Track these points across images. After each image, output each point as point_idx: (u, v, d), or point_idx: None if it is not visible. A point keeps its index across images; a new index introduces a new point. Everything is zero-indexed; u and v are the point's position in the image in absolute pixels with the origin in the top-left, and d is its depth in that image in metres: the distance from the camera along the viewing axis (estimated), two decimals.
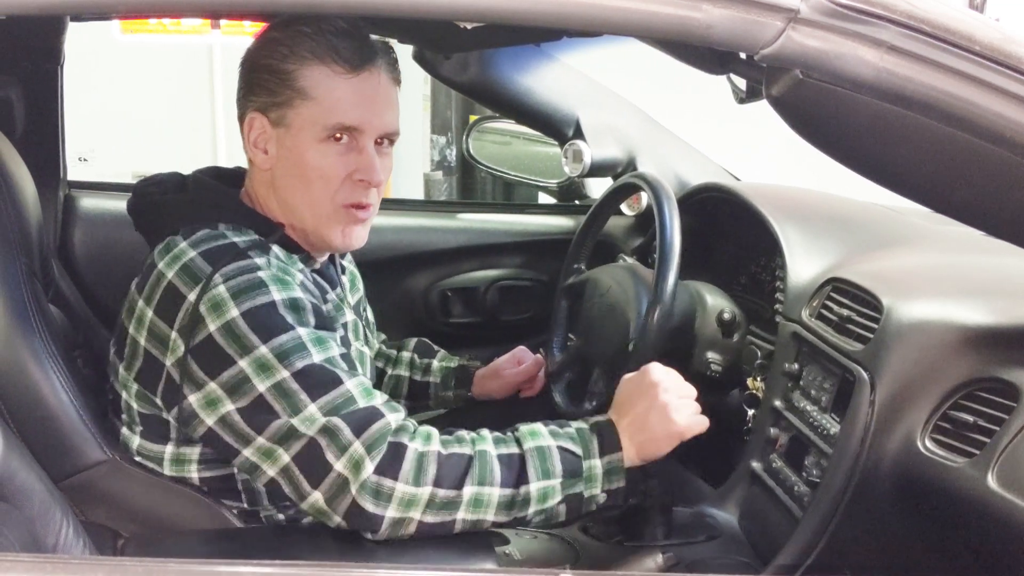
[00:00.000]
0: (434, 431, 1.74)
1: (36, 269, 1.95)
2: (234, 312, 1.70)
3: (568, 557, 2.04)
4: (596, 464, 1.77)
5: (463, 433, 1.77)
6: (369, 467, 1.65)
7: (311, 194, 1.85)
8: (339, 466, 1.66)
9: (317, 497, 1.68)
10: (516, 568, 1.94)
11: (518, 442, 1.76)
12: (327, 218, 1.87)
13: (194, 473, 1.85)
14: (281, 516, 1.87)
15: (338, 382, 1.70)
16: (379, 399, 1.73)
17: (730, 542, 2.13)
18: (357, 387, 1.71)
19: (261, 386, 1.68)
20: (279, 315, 1.72)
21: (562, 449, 1.76)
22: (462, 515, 1.70)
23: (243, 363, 1.69)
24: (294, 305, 1.74)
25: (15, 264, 1.83)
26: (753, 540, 2.12)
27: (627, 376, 1.89)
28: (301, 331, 1.72)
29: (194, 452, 1.83)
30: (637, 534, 2.07)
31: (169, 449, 1.84)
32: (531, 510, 1.74)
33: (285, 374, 1.68)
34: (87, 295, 2.34)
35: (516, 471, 1.73)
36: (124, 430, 1.88)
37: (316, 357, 1.70)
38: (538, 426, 1.80)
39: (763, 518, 2.12)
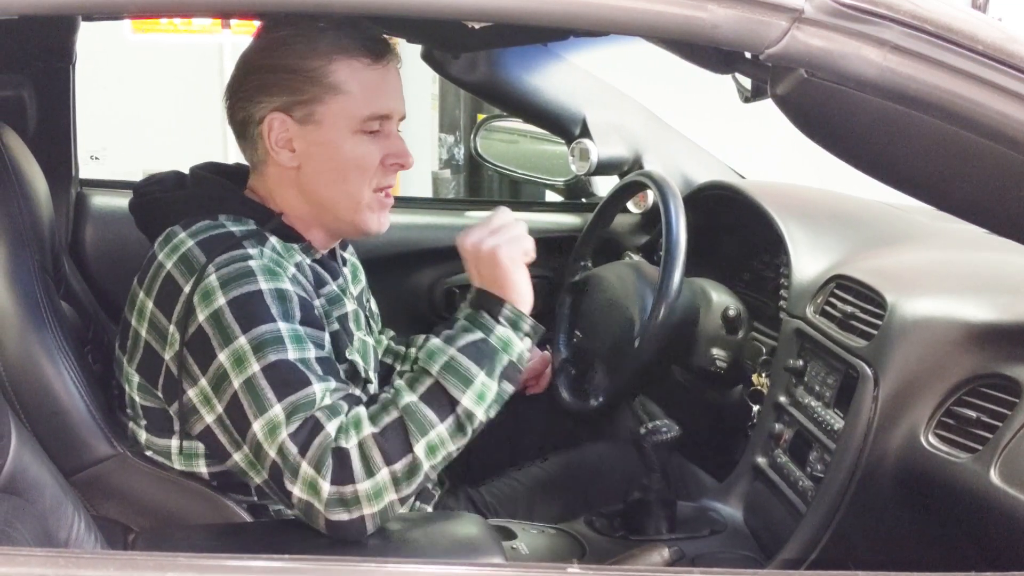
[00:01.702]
0: (361, 412, 1.71)
1: (48, 265, 1.96)
2: (221, 300, 1.72)
3: (575, 551, 2.06)
4: (501, 330, 1.78)
5: (384, 396, 1.75)
6: (325, 485, 1.65)
7: (348, 185, 1.87)
8: (297, 491, 1.66)
9: (297, 512, 1.70)
10: (523, 563, 1.95)
11: (426, 371, 1.74)
12: (366, 206, 1.90)
13: (203, 467, 1.86)
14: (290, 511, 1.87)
15: (305, 383, 1.69)
16: (328, 399, 1.71)
17: (734, 536, 2.14)
18: (321, 392, 1.70)
19: (236, 382, 1.69)
20: (263, 304, 1.73)
21: (464, 347, 1.75)
22: (427, 466, 1.69)
23: (223, 356, 1.70)
24: (280, 296, 1.75)
25: (28, 261, 1.84)
26: (757, 534, 2.14)
27: (463, 259, 1.91)
28: (282, 325, 1.72)
29: (200, 446, 1.84)
30: (642, 529, 2.09)
31: (175, 443, 1.85)
32: (480, 414, 1.73)
33: (256, 368, 1.68)
34: (97, 291, 2.35)
35: (445, 398, 1.72)
36: (131, 424, 1.89)
37: (290, 354, 1.70)
38: (433, 342, 1.78)
39: (767, 513, 2.13)
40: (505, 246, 1.85)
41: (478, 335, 1.77)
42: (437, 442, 1.70)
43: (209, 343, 1.71)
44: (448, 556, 1.70)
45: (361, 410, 1.72)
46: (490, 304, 1.81)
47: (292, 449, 1.66)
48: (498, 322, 1.79)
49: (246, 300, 1.72)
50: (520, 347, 1.79)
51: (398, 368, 2.40)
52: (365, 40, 1.84)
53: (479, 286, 1.84)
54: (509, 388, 1.78)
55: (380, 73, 1.85)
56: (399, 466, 1.67)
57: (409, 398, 1.72)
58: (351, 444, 1.67)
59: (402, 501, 1.69)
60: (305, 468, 1.65)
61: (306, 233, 1.92)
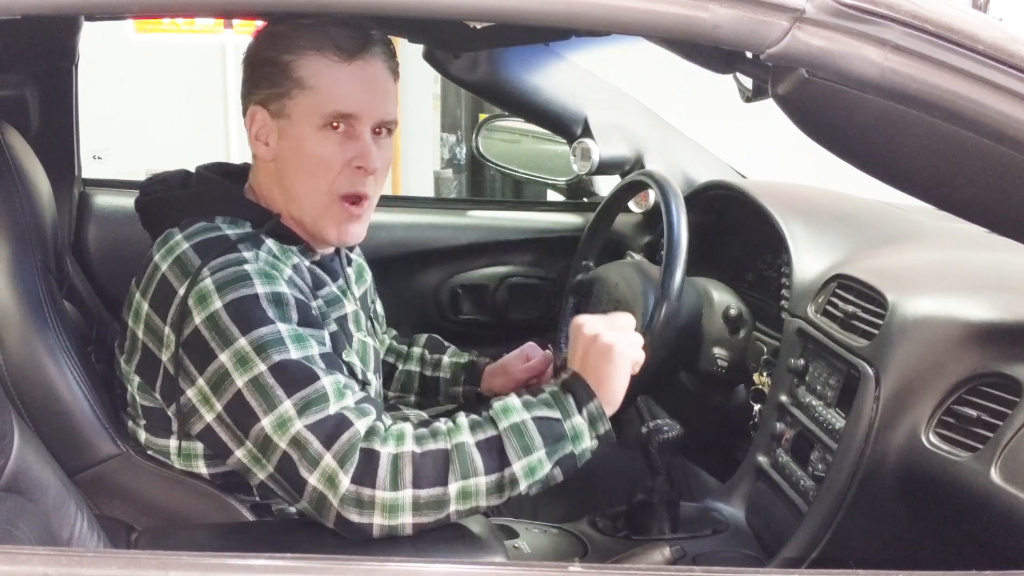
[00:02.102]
0: (407, 429, 1.72)
1: (51, 265, 1.97)
2: (217, 304, 1.72)
3: (577, 551, 2.06)
4: (578, 420, 1.75)
5: (439, 425, 1.75)
6: (344, 480, 1.65)
7: (311, 183, 1.86)
8: (313, 480, 1.66)
9: (304, 505, 1.70)
10: (525, 562, 1.95)
11: (493, 422, 1.74)
12: (324, 208, 1.87)
13: (203, 468, 1.87)
14: (292, 509, 1.87)
15: (314, 378, 1.70)
16: (350, 400, 1.72)
17: (736, 536, 2.14)
18: (332, 385, 1.71)
19: (239, 381, 1.69)
20: (260, 308, 1.73)
21: (538, 419, 1.74)
22: (454, 508, 1.69)
23: (224, 357, 1.70)
24: (277, 300, 1.75)
25: (31, 260, 1.85)
26: (759, 534, 2.14)
27: (572, 339, 1.87)
28: (281, 326, 1.72)
29: (199, 447, 1.85)
30: (644, 528, 2.09)
31: (174, 443, 1.85)
32: (523, 486, 1.72)
33: (262, 368, 1.68)
34: (100, 291, 2.36)
35: (497, 454, 1.71)
36: (130, 424, 1.90)
37: (293, 353, 1.71)
38: (512, 400, 1.77)
39: (769, 512, 2.13)
40: (623, 348, 1.82)
41: (556, 415, 1.75)
42: (473, 490, 1.69)
43: (207, 345, 1.72)
44: (450, 554, 1.70)
45: (407, 427, 1.72)
46: (580, 393, 1.78)
47: (312, 440, 1.66)
48: (579, 412, 1.77)
49: (242, 304, 1.72)
50: (587, 445, 1.76)
51: (400, 367, 2.41)
52: (339, 37, 1.82)
53: (578, 371, 1.81)
54: (558, 477, 1.76)
55: (348, 71, 1.82)
56: (425, 493, 1.67)
57: (466, 439, 1.71)
58: (384, 450, 1.67)
59: (415, 527, 1.68)
60: (328, 460, 1.65)
61: (302, 234, 1.92)
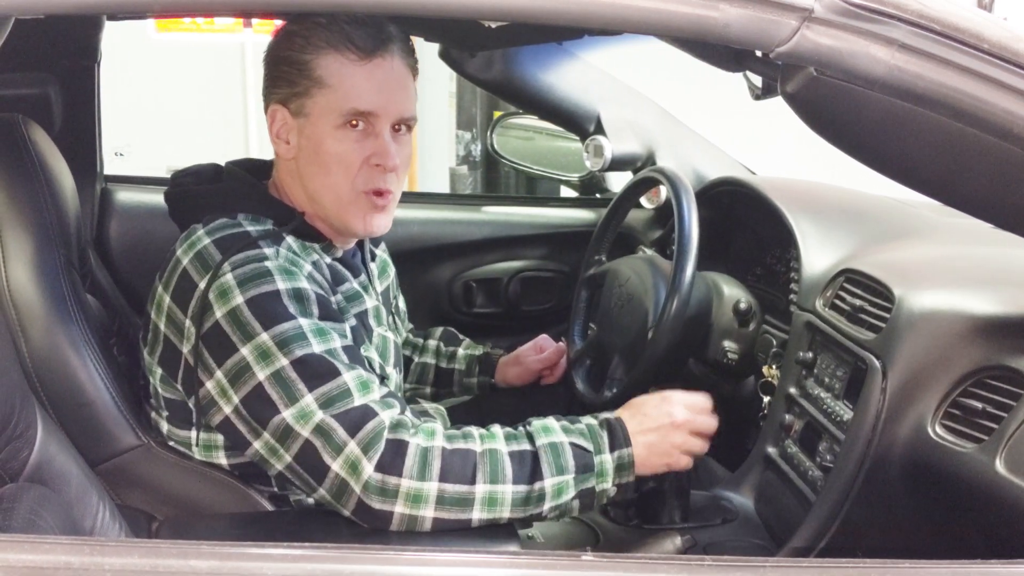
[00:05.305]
0: (438, 427, 1.75)
1: (74, 260, 1.99)
2: (239, 299, 1.74)
3: (589, 539, 2.07)
4: (607, 459, 1.79)
5: (472, 429, 1.78)
6: (368, 467, 1.67)
7: (331, 180, 1.87)
8: (336, 467, 1.68)
9: (323, 493, 1.72)
10: (538, 550, 1.97)
11: (530, 438, 1.77)
12: (348, 204, 1.89)
13: (223, 459, 1.89)
14: (311, 500, 1.89)
15: (335, 373, 1.72)
16: (375, 394, 1.74)
17: (745, 525, 2.15)
18: (354, 380, 1.73)
19: (260, 374, 1.71)
20: (282, 304, 1.75)
21: (574, 445, 1.77)
22: (477, 514, 1.71)
23: (245, 350, 1.72)
24: (298, 295, 1.77)
25: (54, 255, 1.88)
26: (768, 523, 2.15)
27: (652, 398, 1.92)
28: (302, 321, 1.74)
29: (219, 438, 1.87)
30: (655, 517, 2.10)
31: (194, 434, 1.88)
32: (546, 506, 1.75)
33: (284, 362, 1.71)
34: (122, 285, 2.38)
35: (529, 468, 1.74)
36: (153, 415, 1.93)
37: (316, 347, 1.73)
38: (550, 422, 1.81)
39: (778, 502, 2.14)
40: (680, 431, 1.87)
41: (589, 446, 1.79)
42: (499, 497, 1.72)
43: (228, 338, 1.74)
44: (463, 543, 1.72)
45: (438, 425, 1.75)
46: (618, 436, 1.82)
47: (337, 428, 1.68)
48: (610, 453, 1.80)
49: (264, 299, 1.75)
50: (608, 487, 1.80)
51: (416, 359, 2.43)
52: (356, 35, 1.83)
53: (628, 416, 1.86)
54: (575, 509, 1.80)
55: (366, 70, 1.84)
56: (452, 488, 1.69)
57: (500, 447, 1.74)
58: (414, 441, 1.69)
59: (435, 522, 1.70)
60: (352, 447, 1.68)
61: (326, 231, 1.95)
